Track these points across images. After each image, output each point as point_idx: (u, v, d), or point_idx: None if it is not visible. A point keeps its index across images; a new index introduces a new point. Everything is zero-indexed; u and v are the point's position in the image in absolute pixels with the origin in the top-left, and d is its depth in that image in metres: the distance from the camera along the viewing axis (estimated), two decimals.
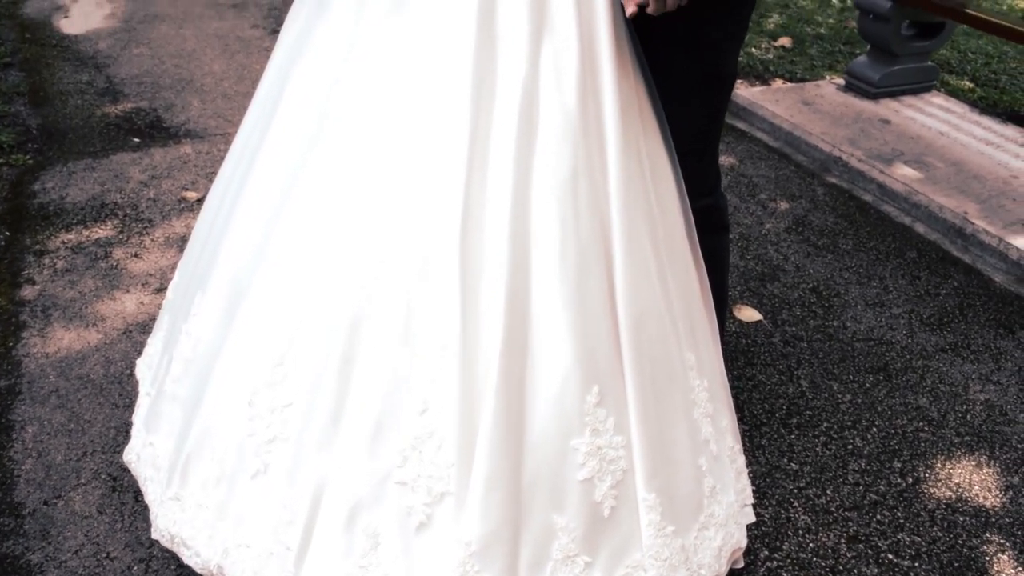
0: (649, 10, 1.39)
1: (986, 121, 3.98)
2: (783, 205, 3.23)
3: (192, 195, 3.08)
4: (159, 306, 2.50)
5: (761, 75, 4.44)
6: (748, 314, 2.58)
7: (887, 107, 3.98)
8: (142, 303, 2.53)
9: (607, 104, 1.42)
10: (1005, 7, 6.31)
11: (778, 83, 4.22)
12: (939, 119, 3.92)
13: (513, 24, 1.37)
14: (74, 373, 2.25)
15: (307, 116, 1.47)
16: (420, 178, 1.36)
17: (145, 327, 2.42)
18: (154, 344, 1.78)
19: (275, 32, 4.31)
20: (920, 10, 3.84)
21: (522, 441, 1.32)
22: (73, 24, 4.82)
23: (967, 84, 4.66)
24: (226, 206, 1.59)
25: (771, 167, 3.50)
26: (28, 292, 2.55)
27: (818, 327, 2.58)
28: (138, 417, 1.70)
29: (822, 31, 5.17)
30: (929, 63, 4.21)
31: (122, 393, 2.20)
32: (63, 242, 2.80)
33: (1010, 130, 3.91)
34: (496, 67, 1.38)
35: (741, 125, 3.87)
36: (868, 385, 2.37)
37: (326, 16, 1.49)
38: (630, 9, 1.39)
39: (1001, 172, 3.46)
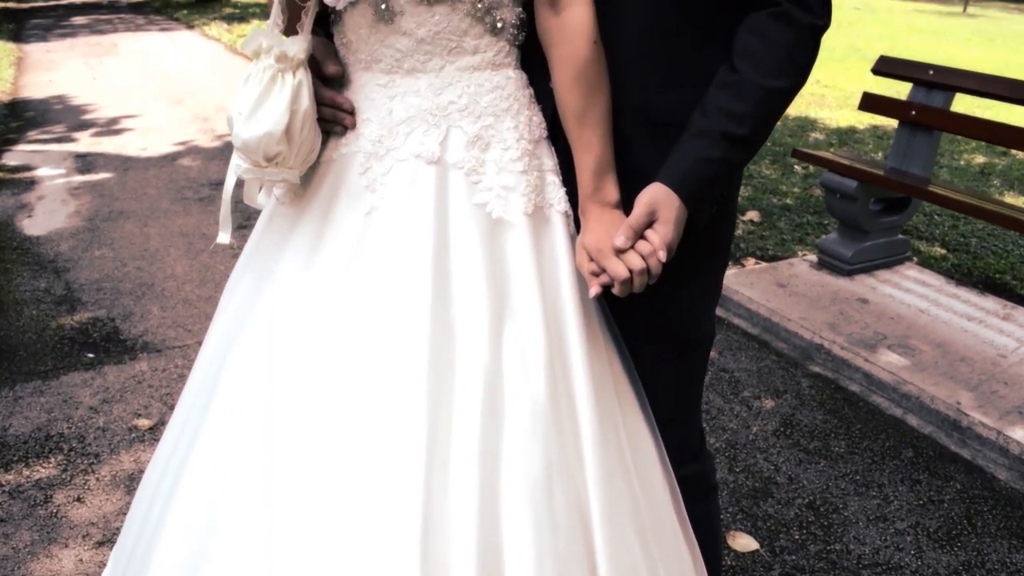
0: (615, 291, 1.28)
1: (964, 293, 3.93)
2: (768, 403, 3.09)
3: (144, 423, 2.89)
4: (100, 564, 2.28)
5: (733, 254, 4.42)
6: (743, 542, 2.38)
7: (863, 284, 3.93)
8: (81, 560, 2.30)
9: (579, 388, 1.29)
10: (963, 164, 6.46)
11: (751, 263, 4.18)
12: (917, 294, 3.86)
13: (471, 306, 1.26)
14: None
15: (247, 400, 1.33)
16: (372, 482, 1.20)
17: None
18: None
19: (242, 227, 4.27)
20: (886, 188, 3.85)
21: None
22: (36, 224, 4.76)
23: (939, 251, 4.65)
24: (164, 491, 1.42)
25: (751, 358, 3.38)
26: None
27: (820, 553, 2.38)
28: None
29: (788, 201, 5.21)
30: (900, 236, 4.20)
31: None
32: (1, 484, 2.58)
33: (989, 302, 3.85)
34: (454, 354, 1.25)
35: (718, 312, 3.78)
36: None
37: (272, 280, 1.38)
38: (593, 291, 1.28)
39: (988, 351, 3.37)
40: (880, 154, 6.65)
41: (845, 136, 7.19)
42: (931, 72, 3.96)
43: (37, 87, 8.76)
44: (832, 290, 3.83)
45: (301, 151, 1.29)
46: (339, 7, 1.20)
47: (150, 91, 8.25)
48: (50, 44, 12.03)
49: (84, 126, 6.96)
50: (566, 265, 1.32)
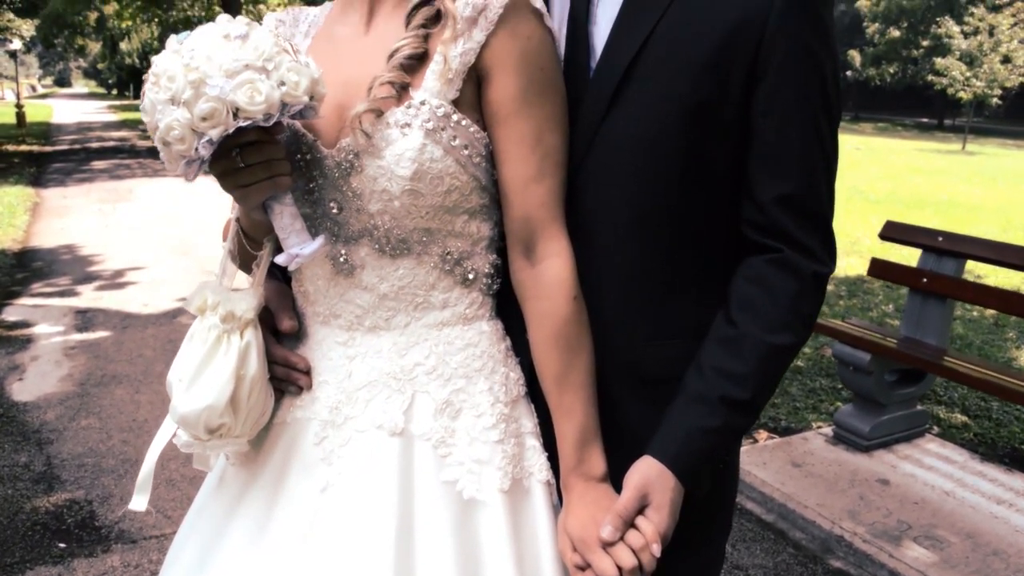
0: None
1: (990, 471, 3.71)
2: None
3: None
4: None
5: None
6: None
7: (882, 461, 3.71)
8: None
9: None
10: (976, 315, 6.32)
11: (763, 436, 3.99)
12: (940, 473, 3.64)
13: None
14: None
15: None
16: None
17: None
18: None
19: None
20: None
21: None
22: (25, 388, 4.64)
23: (959, 418, 4.45)
24: None
25: (767, 551, 3.14)
26: None
27: None
28: None
29: (800, 363, 5.05)
30: (919, 407, 4.02)
31: None
32: None
33: (1017, 480, 3.63)
34: None
35: None
36: None
37: (218, 553, 1.21)
38: None
39: (1021, 542, 3.12)
40: (891, 306, 6.54)
41: (854, 287, 7.10)
42: (940, 239, 3.88)
43: (49, 235, 8.86)
44: (850, 469, 3.62)
45: (249, 418, 1.15)
46: (290, 268, 1.09)
47: (159, 240, 8.32)
48: (67, 189, 12.32)
49: (89, 279, 6.95)
50: (548, 547, 1.15)
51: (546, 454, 1.20)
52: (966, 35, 29.09)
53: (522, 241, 1.14)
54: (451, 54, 1.09)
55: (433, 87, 1.09)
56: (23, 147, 18.83)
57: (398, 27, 1.14)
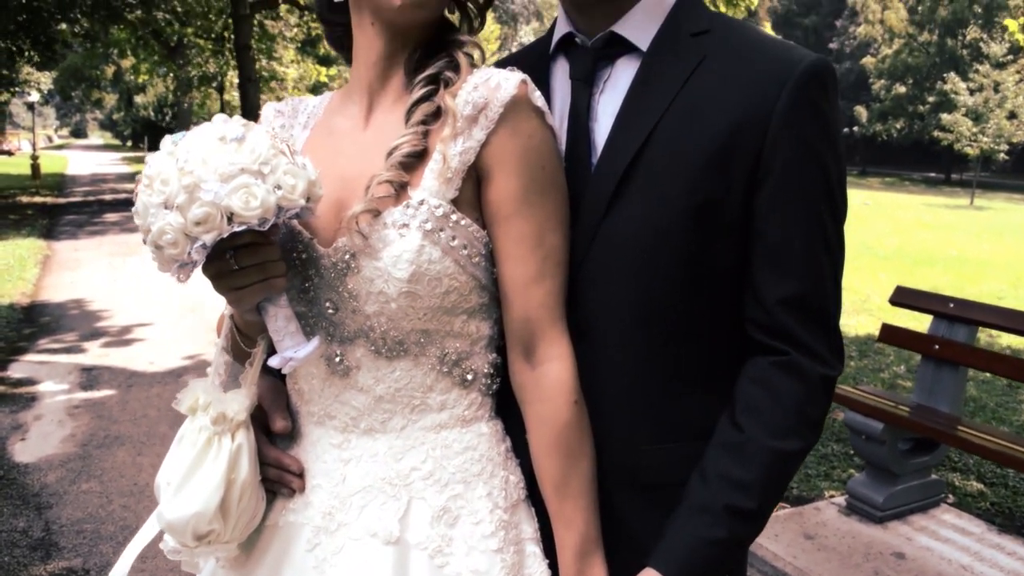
0: None
1: (1008, 543, 3.61)
2: None
3: None
4: None
5: None
6: None
7: (897, 533, 3.62)
8: None
9: None
10: (988, 376, 6.23)
11: None
12: (957, 546, 3.55)
13: None
14: None
15: None
16: None
17: None
18: None
19: None
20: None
21: None
22: (27, 449, 4.60)
23: (975, 485, 4.36)
24: None
25: None
26: None
27: None
28: None
29: None
30: (934, 476, 3.94)
31: None
32: None
33: None
34: None
35: None
36: None
37: None
38: None
39: None
40: (903, 367, 6.46)
41: (864, 346, 7.03)
42: (951, 305, 3.84)
43: (58, 289, 8.89)
44: (864, 542, 3.53)
45: (239, 523, 1.11)
46: (284, 371, 1.07)
47: (167, 296, 8.32)
48: (79, 242, 12.40)
49: (96, 335, 6.95)
50: None
51: (547, 561, 1.15)
52: (971, 91, 29.33)
53: (522, 342, 1.11)
54: (450, 152, 1.07)
55: (432, 186, 1.07)
56: (37, 199, 19.05)
57: (397, 121, 1.12)
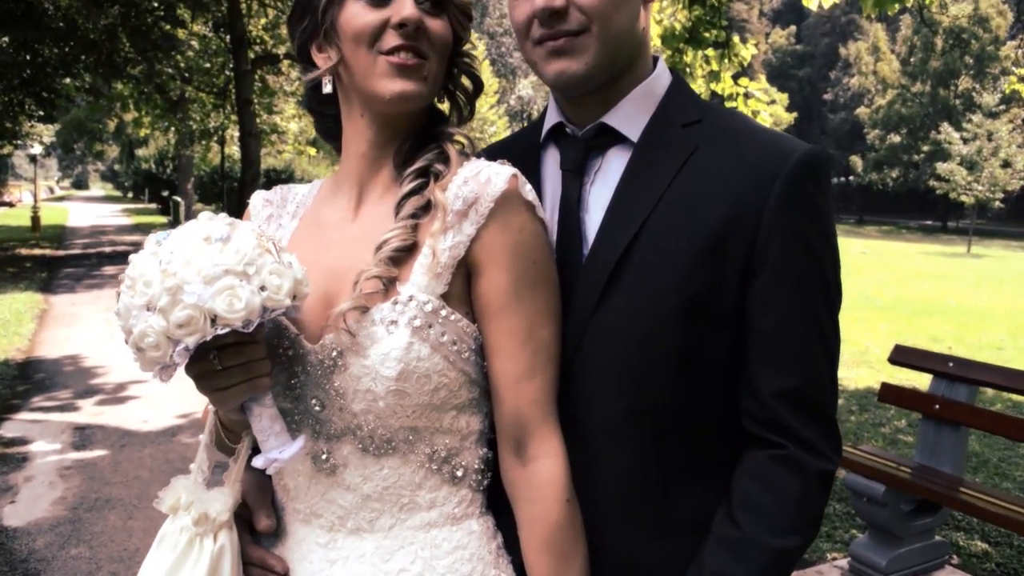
0: None
1: None
2: None
3: None
4: None
5: None
6: None
7: None
8: None
9: None
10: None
11: None
12: None
13: None
14: None
15: None
16: None
17: None
18: None
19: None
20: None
21: None
22: (16, 512, 4.52)
23: (979, 545, 4.28)
24: None
25: None
26: None
27: None
28: None
29: None
30: (937, 538, 3.87)
31: None
32: None
33: None
34: None
35: None
36: None
37: None
38: None
39: None
40: (903, 422, 6.41)
41: (864, 400, 6.98)
42: (951, 364, 3.82)
43: (54, 344, 8.85)
44: None
45: None
46: (269, 471, 1.04)
47: None
48: (76, 296, 12.38)
49: (90, 392, 6.90)
50: None
51: None
52: (965, 140, 29.66)
53: (513, 438, 1.09)
54: (440, 247, 1.06)
55: (421, 281, 1.06)
56: (36, 251, 19.09)
57: (387, 214, 1.11)
